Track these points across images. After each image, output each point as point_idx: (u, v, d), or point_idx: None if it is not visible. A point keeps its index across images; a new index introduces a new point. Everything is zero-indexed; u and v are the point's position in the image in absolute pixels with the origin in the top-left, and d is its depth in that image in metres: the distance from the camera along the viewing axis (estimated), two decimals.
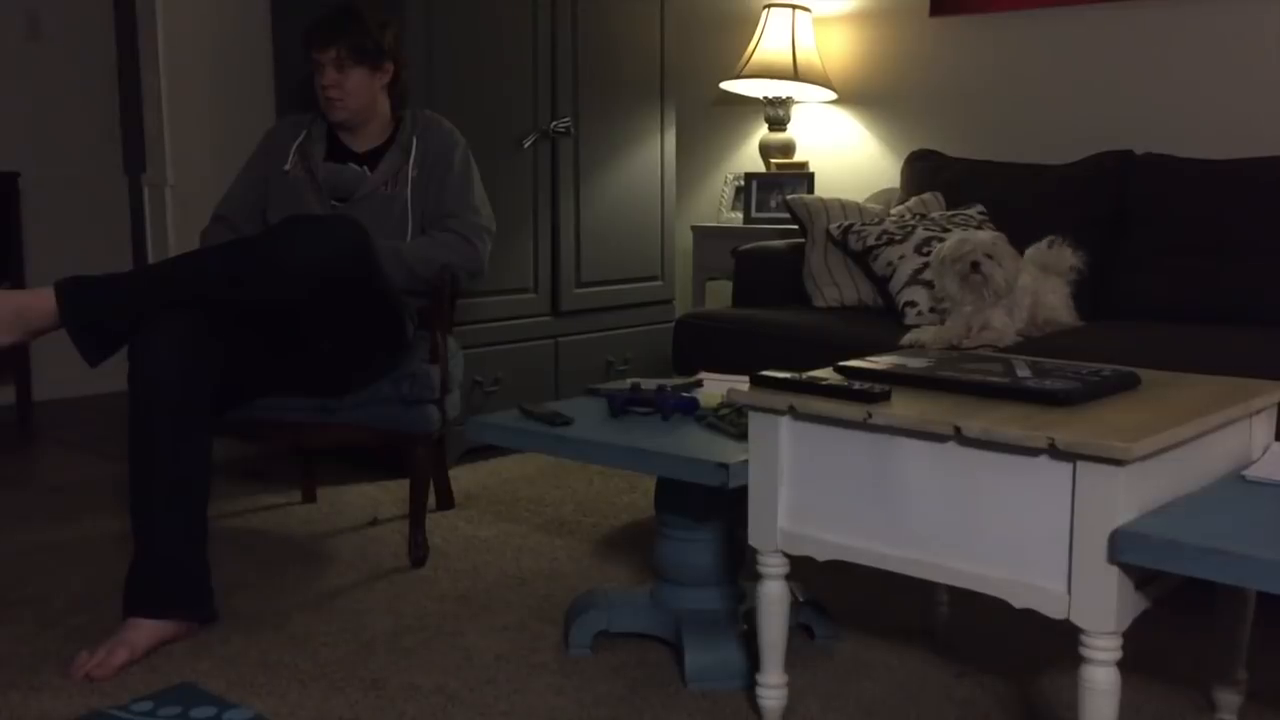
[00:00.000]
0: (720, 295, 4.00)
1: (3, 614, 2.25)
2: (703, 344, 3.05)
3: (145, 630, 2.04)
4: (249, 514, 2.94)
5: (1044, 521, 1.47)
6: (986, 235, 2.72)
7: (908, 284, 3.01)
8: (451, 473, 3.08)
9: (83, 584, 2.41)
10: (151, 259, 3.71)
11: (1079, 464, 1.42)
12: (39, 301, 2.08)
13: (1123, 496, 1.40)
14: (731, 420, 1.96)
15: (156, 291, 2.14)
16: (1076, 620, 1.44)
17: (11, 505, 3.01)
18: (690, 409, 2.08)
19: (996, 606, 1.58)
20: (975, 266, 2.62)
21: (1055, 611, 1.46)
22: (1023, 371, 1.72)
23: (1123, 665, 1.45)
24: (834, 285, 3.27)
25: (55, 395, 4.35)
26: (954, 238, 2.72)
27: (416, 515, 2.57)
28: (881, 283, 3.14)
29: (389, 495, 3.09)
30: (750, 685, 1.85)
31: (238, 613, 2.24)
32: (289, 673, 1.99)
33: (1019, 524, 1.49)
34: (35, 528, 2.81)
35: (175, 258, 2.30)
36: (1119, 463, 1.38)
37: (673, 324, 3.22)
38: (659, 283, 4.09)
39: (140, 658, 2.01)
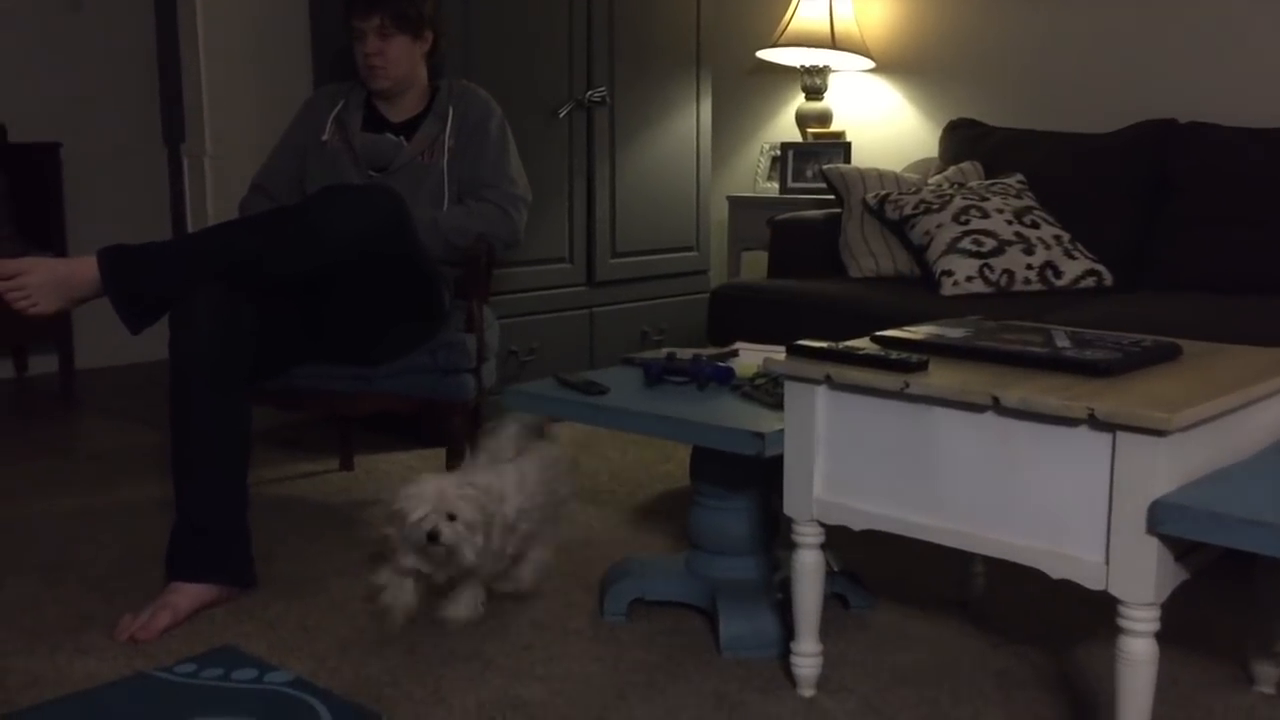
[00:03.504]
0: (756, 266, 3.99)
1: (48, 578, 2.29)
2: (738, 314, 3.04)
3: (187, 594, 2.07)
4: (288, 481, 2.97)
5: (1082, 492, 1.46)
6: (446, 486, 1.94)
7: (945, 253, 2.99)
8: None
9: (126, 549, 2.45)
10: (190, 228, 3.74)
11: (1119, 434, 1.41)
12: (81, 270, 2.10)
13: (1163, 467, 1.39)
14: (767, 390, 1.96)
15: (196, 260, 2.16)
16: (1114, 591, 1.43)
17: (55, 472, 3.06)
18: (726, 378, 2.08)
19: (1033, 577, 1.57)
20: (433, 537, 1.90)
21: (1093, 582, 1.45)
22: (1062, 342, 1.70)
23: (1161, 636, 1.45)
24: (870, 255, 3.25)
25: (97, 364, 4.40)
26: (407, 491, 1.95)
27: None
28: (918, 252, 3.11)
29: (426, 464, 3.11)
30: (785, 654, 1.85)
31: (277, 578, 2.27)
32: (328, 637, 2.01)
33: (1057, 494, 1.48)
34: (78, 494, 2.85)
35: (214, 227, 2.32)
36: (1159, 433, 1.37)
37: (708, 295, 3.21)
38: (694, 253, 4.08)
39: (183, 621, 2.05)
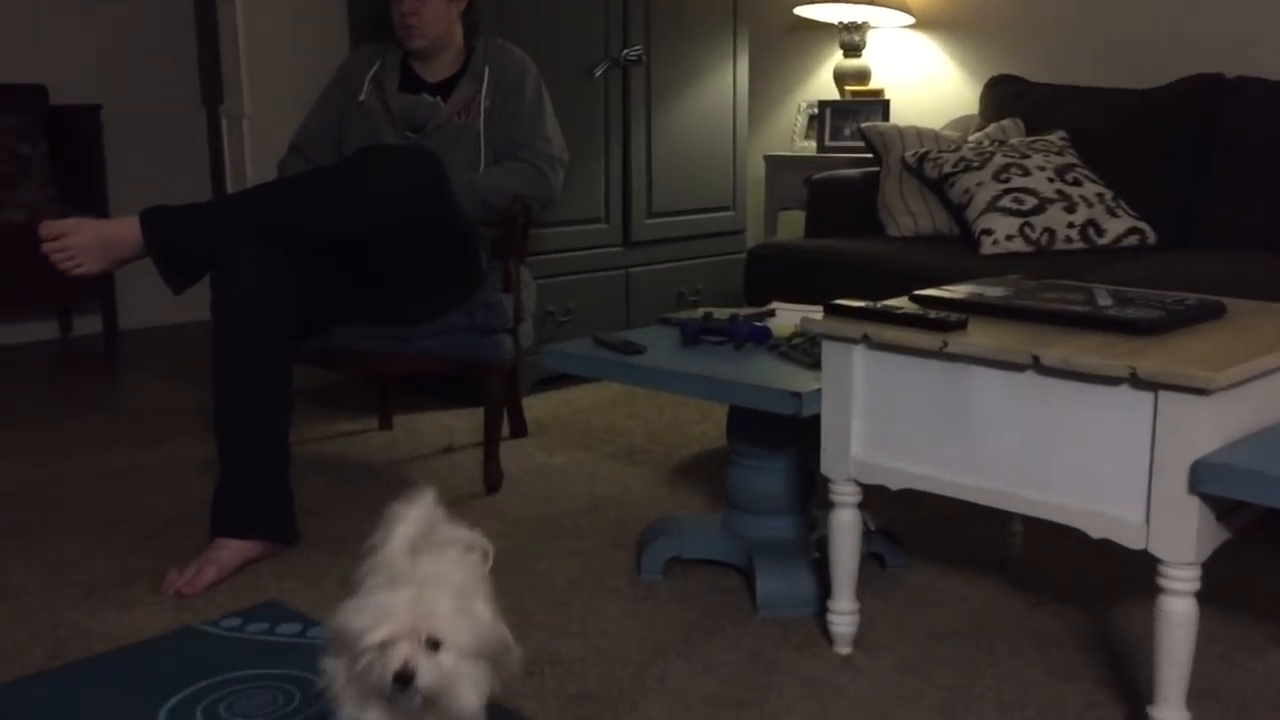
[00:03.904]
0: (792, 226, 3.97)
1: (96, 534, 2.33)
2: (775, 275, 3.03)
3: (232, 550, 2.10)
4: (328, 440, 3.00)
5: (1123, 451, 1.45)
6: (428, 593, 1.28)
7: (985, 211, 2.96)
8: (524, 402, 3.11)
9: (171, 505, 2.49)
10: (230, 189, 3.77)
11: (1161, 394, 1.40)
12: (124, 230, 2.13)
13: (1205, 426, 1.38)
14: (805, 349, 1.96)
15: (236, 221, 2.17)
16: (1155, 551, 1.43)
17: (101, 430, 3.10)
18: (763, 338, 2.07)
19: (1072, 537, 1.57)
20: (404, 679, 1.25)
21: (1133, 542, 1.45)
22: (1104, 300, 1.69)
23: (1201, 596, 1.44)
24: (909, 214, 3.22)
25: (141, 324, 4.46)
26: (362, 603, 1.30)
27: (491, 443, 2.61)
28: (958, 211, 3.08)
29: (463, 423, 3.14)
30: (821, 612, 1.86)
31: (319, 535, 2.30)
32: None
33: (1097, 454, 1.47)
34: (124, 452, 2.90)
35: (253, 188, 2.34)
36: (1202, 392, 1.36)
37: (744, 255, 3.20)
38: (730, 213, 4.06)
39: (227, 576, 2.08)
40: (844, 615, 1.80)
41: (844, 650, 1.81)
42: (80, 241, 2.11)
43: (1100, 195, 3.00)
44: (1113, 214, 2.97)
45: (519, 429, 3.03)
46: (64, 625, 1.92)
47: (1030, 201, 2.95)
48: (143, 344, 4.27)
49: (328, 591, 2.04)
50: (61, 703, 1.67)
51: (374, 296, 2.47)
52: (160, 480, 2.67)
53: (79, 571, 2.14)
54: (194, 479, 2.64)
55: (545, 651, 1.82)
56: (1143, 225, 2.97)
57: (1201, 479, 1.37)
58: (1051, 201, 2.95)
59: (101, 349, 4.13)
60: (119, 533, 2.34)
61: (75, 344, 4.32)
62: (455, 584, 1.30)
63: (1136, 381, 1.41)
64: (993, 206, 2.96)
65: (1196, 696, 1.48)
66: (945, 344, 1.57)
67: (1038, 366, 1.49)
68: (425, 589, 1.26)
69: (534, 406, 3.27)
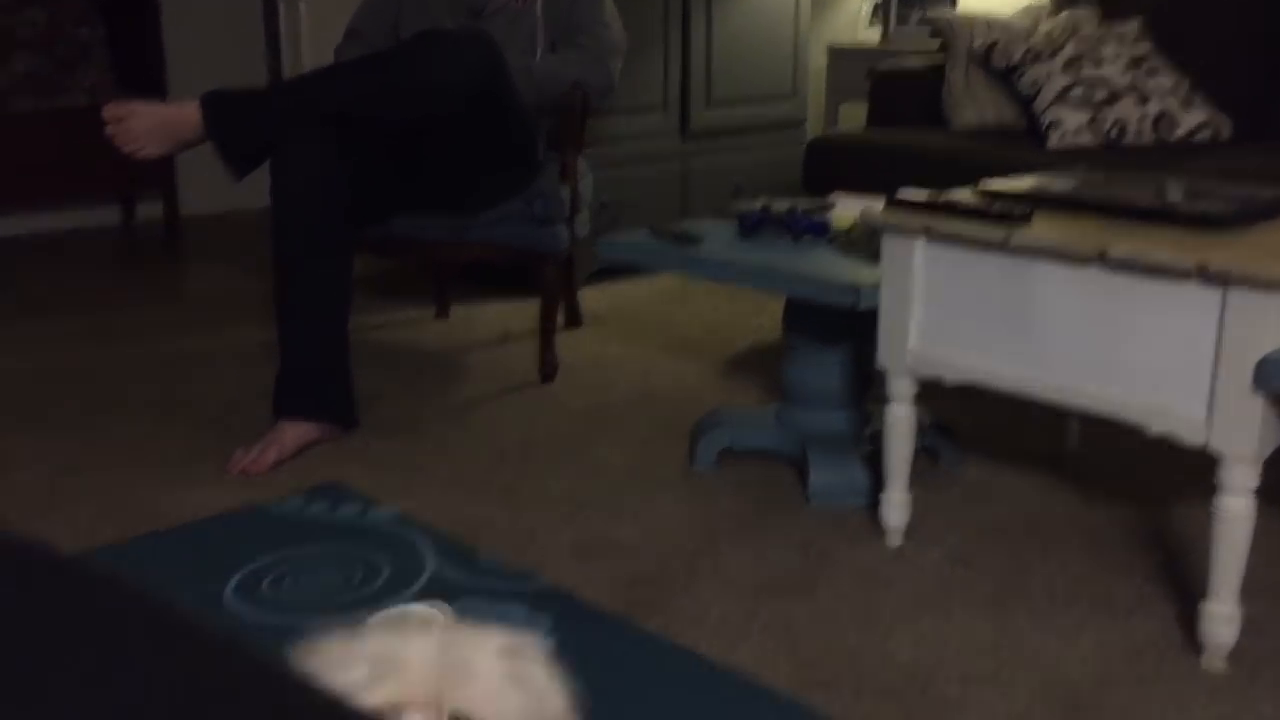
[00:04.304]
0: (854, 119, 3.89)
1: (163, 415, 2.39)
2: (834, 167, 2.98)
3: (293, 432, 2.15)
4: (386, 328, 3.03)
5: (1188, 347, 1.43)
6: (481, 658, 0.83)
7: (1053, 103, 2.88)
8: (580, 293, 3.12)
9: (234, 388, 2.54)
10: (286, 73, 3.75)
11: (1230, 289, 1.37)
12: (184, 114, 2.13)
13: (1273, 324, 1.35)
14: (864, 242, 1.94)
15: (295, 107, 2.17)
16: (1215, 447, 1.41)
17: (163, 316, 3.16)
18: (822, 230, 2.05)
19: (1129, 434, 1.55)
20: None
21: (1194, 438, 1.43)
22: (1174, 193, 1.65)
23: (1258, 496, 1.43)
24: (975, 106, 3.14)
25: (202, 210, 4.50)
26: (349, 647, 0.85)
27: (546, 333, 2.62)
28: (1026, 103, 3.00)
29: (519, 313, 3.15)
30: (873, 505, 1.87)
31: (378, 420, 2.34)
32: (427, 477, 2.08)
33: (1161, 350, 1.45)
34: (187, 336, 2.95)
35: (312, 73, 2.33)
36: (1273, 288, 1.33)
37: (804, 146, 3.15)
38: (791, 104, 3.99)
39: (289, 457, 2.13)
40: (896, 507, 1.81)
41: (895, 542, 1.82)
42: (142, 125, 2.12)
43: (1175, 86, 2.91)
44: (1187, 106, 2.88)
45: (574, 320, 3.04)
46: (133, 502, 1.98)
47: (1101, 93, 2.86)
48: (204, 230, 4.32)
49: (387, 476, 2.08)
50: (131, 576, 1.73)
51: (431, 184, 2.47)
52: (224, 364, 2.72)
53: (148, 451, 2.20)
54: (257, 363, 2.69)
55: (599, 536, 1.85)
56: (1219, 118, 2.88)
57: (1267, 377, 1.34)
58: (1124, 93, 2.87)
59: (163, 234, 4.19)
60: (186, 414, 2.40)
61: (137, 230, 4.37)
62: (501, 644, 0.84)
63: (1206, 277, 1.38)
64: (1062, 98, 2.88)
65: (1248, 592, 1.48)
66: (1009, 238, 1.54)
67: (1104, 261, 1.47)
68: (457, 641, 0.83)
69: (589, 298, 3.27)
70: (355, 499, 1.97)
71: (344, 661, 0.82)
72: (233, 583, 1.69)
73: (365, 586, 1.69)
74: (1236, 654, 1.49)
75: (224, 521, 1.89)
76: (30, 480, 2.07)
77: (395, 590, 1.67)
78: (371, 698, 0.79)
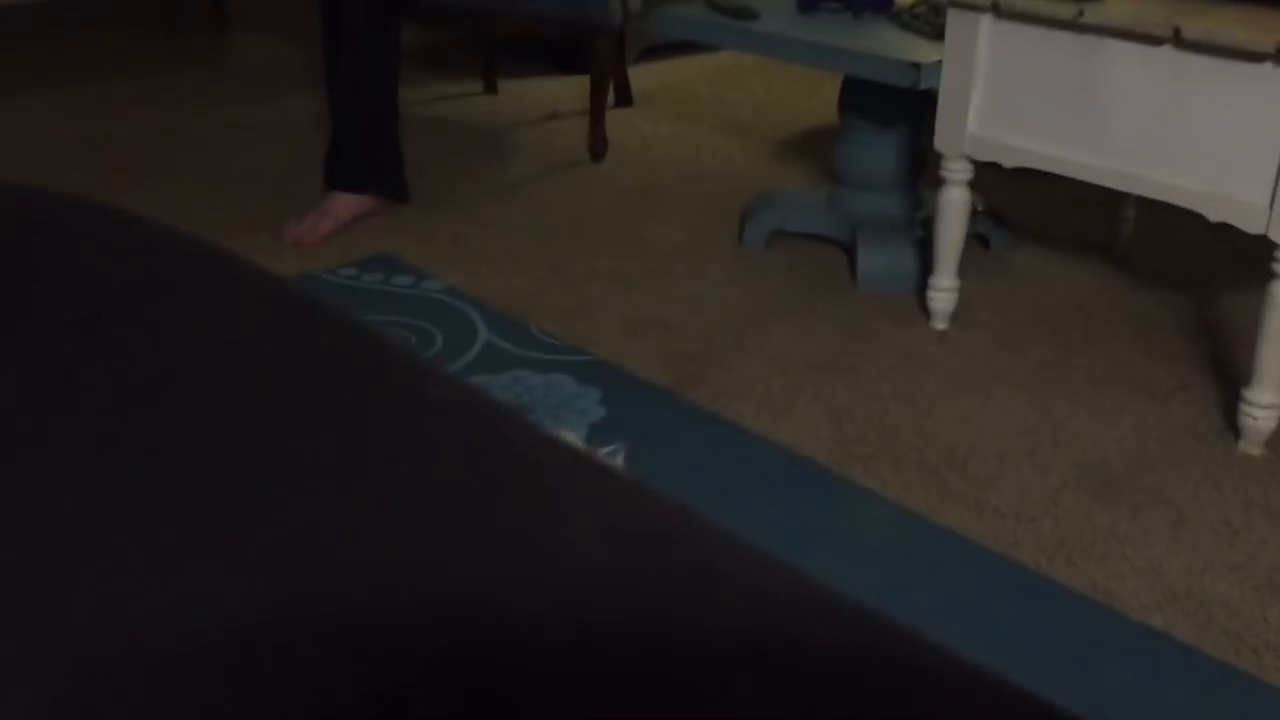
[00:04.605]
0: None
1: (216, 183, 2.41)
2: None
3: (346, 203, 2.17)
4: (434, 103, 3.00)
5: (1256, 133, 1.39)
6: None
7: None
8: (630, 72, 3.06)
9: (286, 158, 2.54)
10: None
11: None
12: None
13: None
14: (927, 19, 1.88)
15: None
16: (1275, 235, 1.40)
17: (213, 85, 3.14)
18: (884, 6, 1.98)
19: (1183, 225, 1.54)
20: None
21: (1253, 226, 1.42)
22: None
23: None
24: None
25: None
26: None
27: (596, 110, 2.59)
28: None
29: (569, 90, 3.11)
30: (921, 289, 1.88)
31: (428, 195, 2.34)
32: (478, 252, 2.11)
33: (1229, 135, 1.42)
34: (238, 106, 2.94)
35: None
36: None
37: None
38: None
39: (342, 228, 2.15)
40: (943, 291, 1.82)
41: (941, 325, 1.84)
42: None
43: None
44: None
45: (624, 98, 2.99)
46: None
47: None
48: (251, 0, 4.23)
49: (438, 249, 2.11)
50: None
51: None
52: (275, 133, 2.72)
53: (202, 220, 2.23)
54: (308, 133, 2.68)
55: (647, 312, 1.88)
56: None
57: None
58: None
59: (210, 3, 4.11)
60: (238, 183, 2.41)
61: None
62: None
63: None
64: None
65: None
66: (1081, 14, 1.49)
67: (1177, 40, 1.42)
68: None
69: (640, 77, 3.21)
70: (408, 270, 2.00)
71: None
72: None
73: (420, 354, 1.73)
74: (1275, 440, 1.51)
75: None
76: None
77: (449, 359, 1.72)
78: None
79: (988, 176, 1.84)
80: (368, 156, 2.20)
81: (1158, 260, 2.10)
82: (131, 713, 0.24)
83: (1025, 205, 2.32)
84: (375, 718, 0.24)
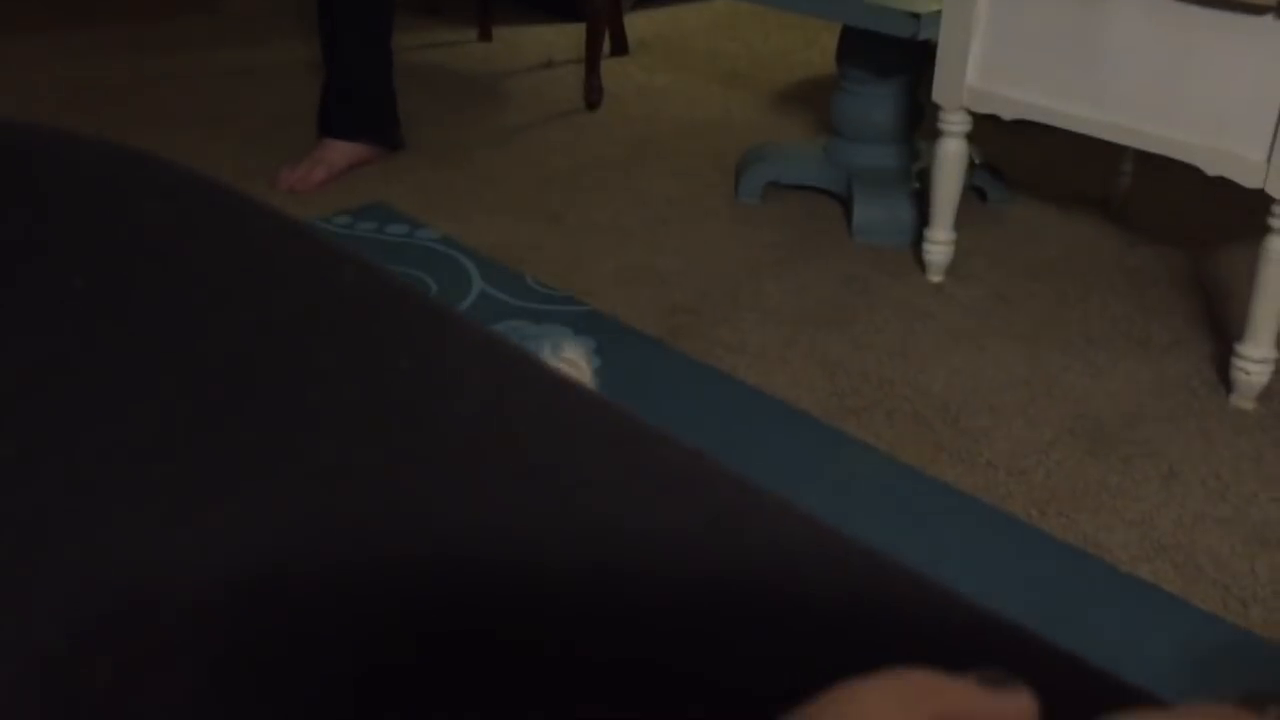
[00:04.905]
0: None
1: (209, 130, 2.39)
2: None
3: (339, 150, 2.15)
4: (428, 49, 2.97)
5: (1256, 87, 1.39)
6: None
7: None
8: (626, 19, 3.03)
9: (278, 104, 2.52)
10: None
11: None
12: None
13: None
14: None
15: None
16: (1272, 190, 1.40)
17: (203, 30, 3.11)
18: None
19: (1180, 181, 1.54)
20: None
21: (1251, 180, 1.42)
22: None
23: None
24: None
25: None
26: None
27: (592, 59, 2.57)
28: None
29: (564, 38, 3.08)
30: (917, 242, 1.88)
31: (423, 144, 2.33)
32: (473, 201, 2.09)
33: (1228, 89, 1.41)
34: (229, 52, 2.91)
35: None
36: None
37: None
38: None
39: (336, 176, 2.14)
40: (939, 244, 1.82)
41: (936, 278, 1.84)
42: None
43: None
44: None
45: (620, 47, 2.97)
46: None
47: None
48: None
49: (433, 199, 2.10)
50: None
51: None
52: (267, 79, 2.69)
53: (194, 165, 2.21)
54: (300, 79, 2.66)
55: (642, 264, 1.88)
56: None
57: None
58: None
59: None
60: (232, 129, 2.39)
61: None
62: None
63: None
64: None
65: None
66: None
67: None
68: None
69: (635, 25, 3.18)
70: (402, 219, 1.99)
71: None
72: None
73: None
74: (1266, 394, 1.52)
75: None
76: None
77: None
78: None
79: (985, 129, 1.83)
80: (362, 104, 2.18)
81: (1155, 215, 2.10)
82: (170, 640, 0.25)
83: (1023, 158, 2.31)
84: (402, 659, 0.25)
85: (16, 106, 2.48)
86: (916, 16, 1.70)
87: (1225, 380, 1.55)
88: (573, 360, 1.06)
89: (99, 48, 2.89)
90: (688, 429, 1.43)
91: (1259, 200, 1.42)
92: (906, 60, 1.95)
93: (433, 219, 2.01)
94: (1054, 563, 1.25)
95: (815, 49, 3.03)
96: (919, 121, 2.04)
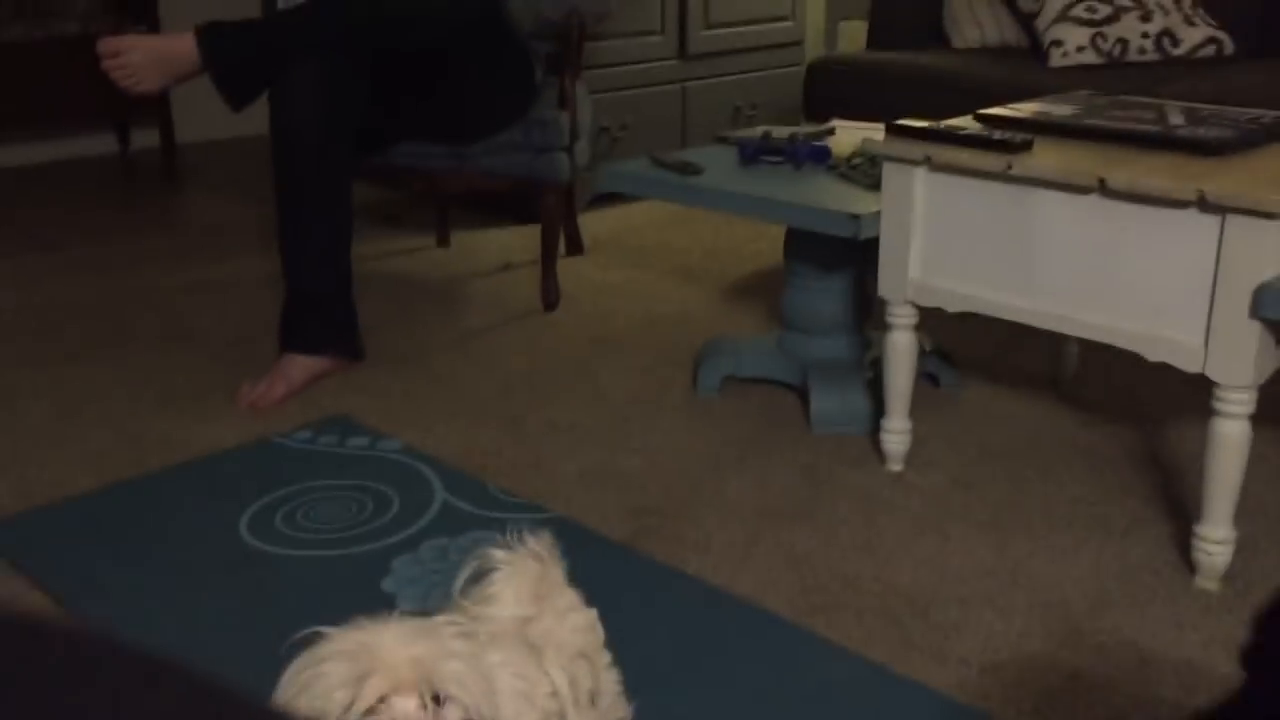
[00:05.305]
0: (855, 37, 3.85)
1: (169, 347, 2.41)
2: (835, 89, 2.96)
3: (300, 365, 2.17)
4: (387, 257, 3.04)
5: (1186, 275, 1.44)
6: (426, 633, 0.86)
7: (1056, 21, 2.85)
8: (580, 219, 3.12)
9: (240, 319, 2.55)
10: (280, 4, 3.69)
11: (1228, 217, 1.38)
12: (180, 46, 2.12)
13: (1272, 251, 1.36)
14: (865, 170, 1.94)
15: (294, 36, 2.15)
16: (1212, 374, 1.44)
17: (163, 246, 3.16)
18: (822, 158, 2.05)
19: (1127, 359, 1.58)
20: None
21: (1190, 365, 1.46)
22: (1175, 118, 1.65)
23: (1253, 420, 1.45)
24: (976, 25, 3.11)
25: (198, 138, 4.47)
26: (334, 647, 0.85)
27: (548, 260, 2.63)
28: (1027, 20, 2.98)
29: (520, 240, 3.16)
30: (874, 430, 1.90)
31: (382, 352, 2.36)
32: (434, 408, 2.11)
33: (1160, 277, 1.47)
34: (188, 267, 2.96)
35: (306, 3, 2.30)
36: (1271, 216, 1.34)
37: (803, 67, 3.13)
38: (790, 24, 3.94)
39: (297, 390, 2.15)
40: (897, 434, 1.84)
41: (896, 467, 1.85)
42: (139, 59, 2.10)
43: (1178, 3, 2.88)
44: (1190, 22, 2.86)
45: (575, 247, 3.04)
46: (145, 435, 2.01)
47: (1104, 10, 2.84)
48: (200, 158, 4.29)
49: (393, 407, 2.11)
50: (147, 509, 1.76)
51: (429, 113, 2.46)
52: (228, 295, 2.73)
53: (156, 383, 2.22)
54: (261, 293, 2.70)
55: (604, 465, 1.89)
56: (1220, 34, 2.86)
57: (1264, 304, 1.36)
58: (1126, 10, 2.84)
59: (159, 163, 4.16)
60: (193, 346, 2.41)
61: (133, 158, 4.35)
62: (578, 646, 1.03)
63: (1204, 205, 1.39)
64: (1064, 16, 2.85)
65: (1243, 513, 1.51)
66: (1010, 166, 1.55)
67: (1104, 190, 1.47)
68: (427, 627, 0.88)
69: (590, 223, 3.27)
70: (363, 431, 2.00)
71: (320, 659, 0.84)
72: (246, 517, 1.73)
73: (377, 518, 1.72)
74: (1230, 574, 1.53)
75: (235, 455, 1.92)
76: (40, 414, 2.09)
77: (407, 522, 1.71)
78: (356, 691, 0.82)
79: (933, 314, 1.88)
80: (322, 317, 2.21)
81: (1103, 394, 2.14)
82: None
83: (971, 342, 2.36)
84: None
85: None
86: (856, 217, 1.76)
87: (1187, 560, 1.55)
88: (537, 552, 1.06)
89: (61, 269, 2.93)
90: (654, 637, 1.42)
91: (1203, 380, 1.46)
92: (851, 254, 2.02)
93: (394, 428, 2.01)
94: None
95: (764, 240, 3.13)
96: (869, 312, 2.09)
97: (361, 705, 0.81)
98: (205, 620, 1.48)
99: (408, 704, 0.82)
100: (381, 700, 0.82)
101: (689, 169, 2.02)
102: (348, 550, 1.64)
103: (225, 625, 1.48)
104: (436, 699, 0.83)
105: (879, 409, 1.87)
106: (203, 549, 1.65)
